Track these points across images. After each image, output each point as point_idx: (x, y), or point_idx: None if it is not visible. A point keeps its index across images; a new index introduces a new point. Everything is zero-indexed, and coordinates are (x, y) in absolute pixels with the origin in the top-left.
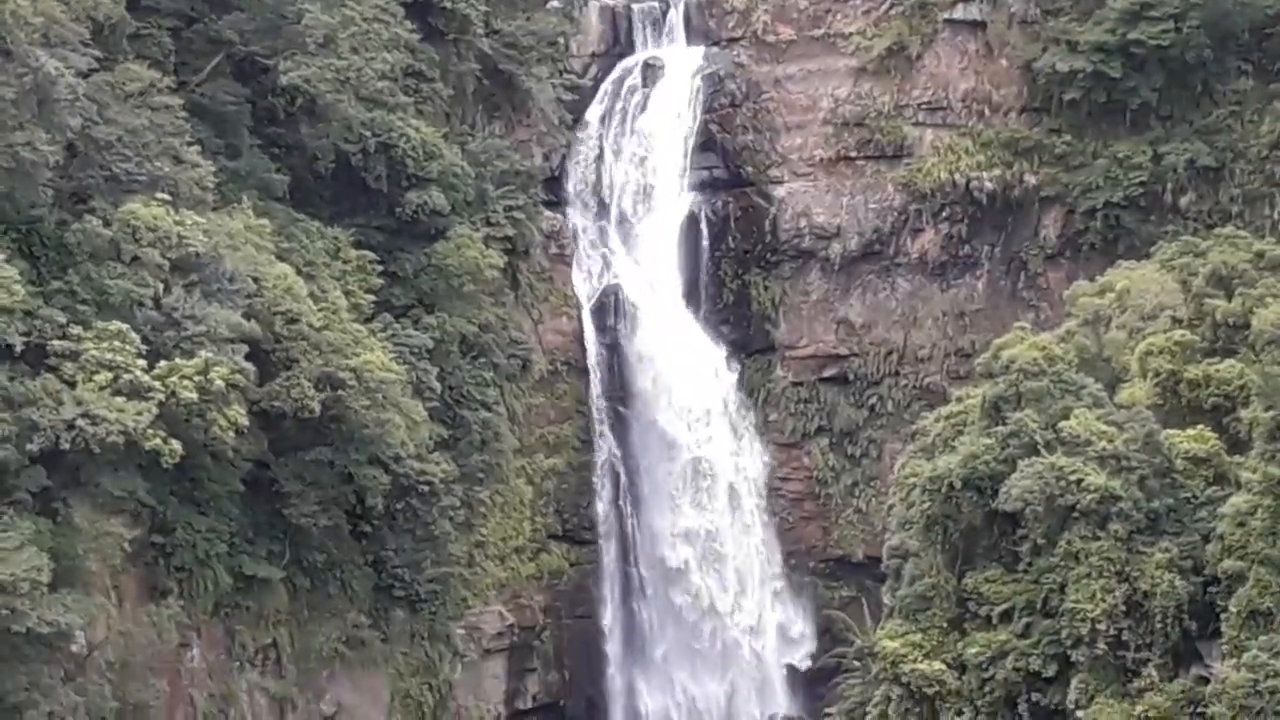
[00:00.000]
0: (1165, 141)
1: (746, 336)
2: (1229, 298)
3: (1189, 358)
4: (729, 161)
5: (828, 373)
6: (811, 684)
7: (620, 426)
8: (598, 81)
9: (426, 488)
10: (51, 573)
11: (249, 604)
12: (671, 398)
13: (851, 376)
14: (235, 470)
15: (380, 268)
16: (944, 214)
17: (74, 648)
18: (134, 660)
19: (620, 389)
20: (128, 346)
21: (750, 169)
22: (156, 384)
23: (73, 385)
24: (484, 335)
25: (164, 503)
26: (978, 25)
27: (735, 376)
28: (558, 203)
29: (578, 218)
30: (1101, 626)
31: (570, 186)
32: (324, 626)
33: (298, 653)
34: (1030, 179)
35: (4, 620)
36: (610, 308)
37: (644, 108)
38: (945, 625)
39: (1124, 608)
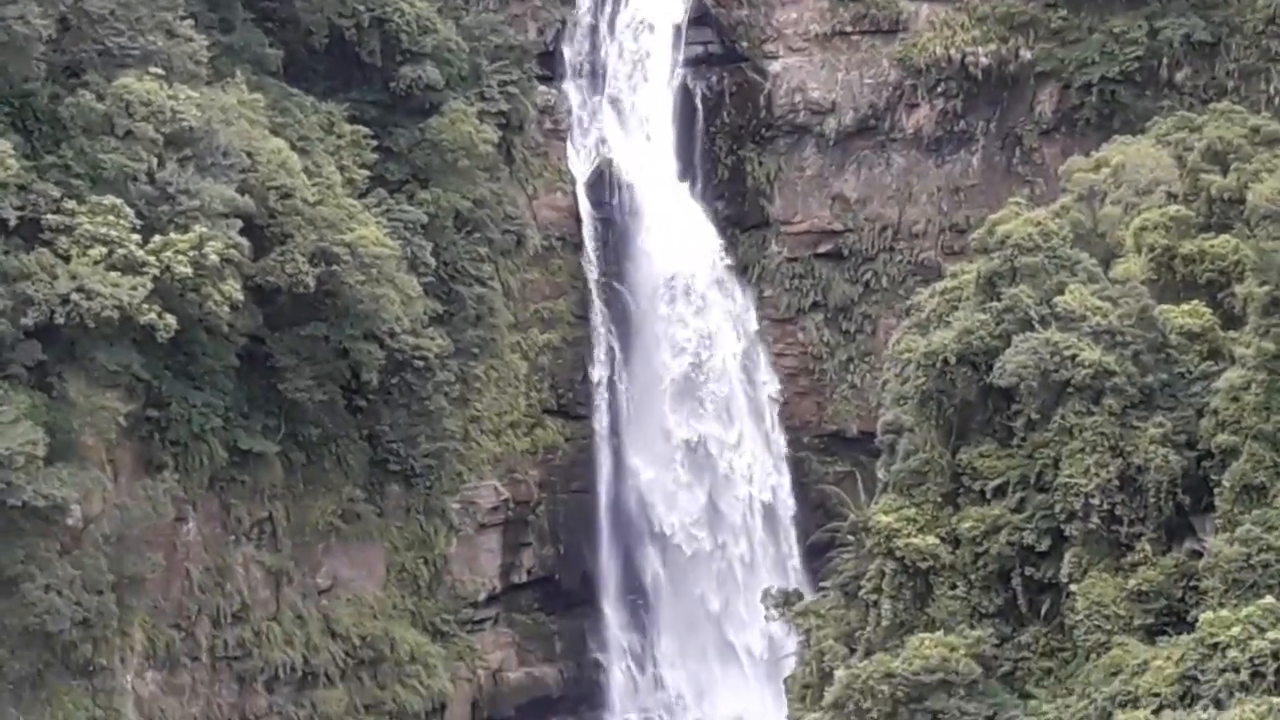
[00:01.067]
0: (1161, 16)
1: (741, 212)
2: (1224, 173)
3: (1184, 233)
4: (724, 36)
5: (822, 248)
6: (806, 558)
7: (615, 302)
8: None
9: (421, 363)
10: (47, 447)
11: (244, 478)
12: (665, 273)
13: (846, 252)
14: (230, 345)
15: (374, 143)
16: (939, 89)
17: (70, 521)
18: (130, 533)
19: (615, 264)
20: (122, 221)
21: (745, 44)
22: (151, 259)
23: (67, 259)
24: (478, 210)
25: (159, 377)
26: None
27: (729, 252)
28: (552, 78)
29: (572, 93)
30: (1095, 501)
31: (565, 61)
32: (319, 500)
33: (293, 526)
34: (1026, 54)
35: (0, 494)
36: (605, 183)
37: None
38: (939, 500)
39: (1117, 482)
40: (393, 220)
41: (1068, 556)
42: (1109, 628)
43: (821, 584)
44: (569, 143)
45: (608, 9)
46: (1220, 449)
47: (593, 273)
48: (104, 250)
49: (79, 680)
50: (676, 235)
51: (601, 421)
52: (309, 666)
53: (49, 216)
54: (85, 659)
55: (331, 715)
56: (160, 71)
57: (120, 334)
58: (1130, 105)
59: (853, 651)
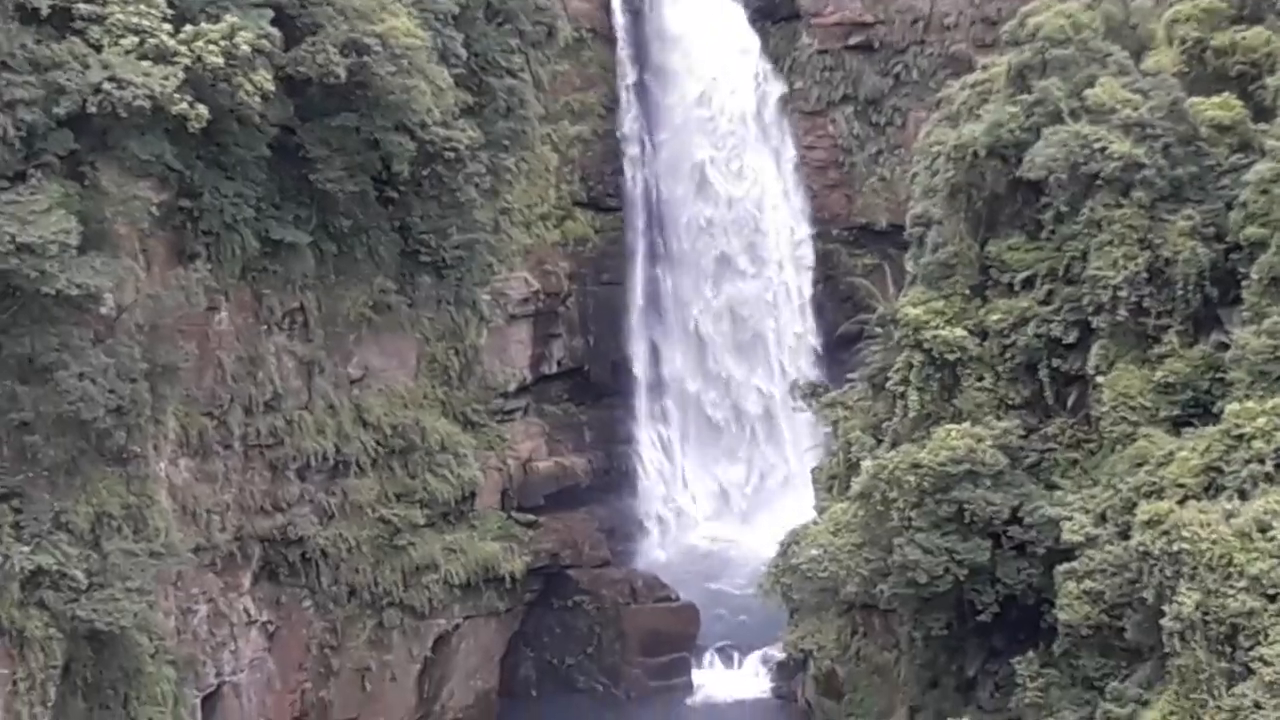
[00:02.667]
0: None
1: (772, 4)
2: None
3: (1216, 25)
4: None
5: (853, 40)
6: (834, 350)
7: (645, 94)
8: None
9: (452, 154)
10: (80, 236)
11: (276, 268)
12: (696, 65)
13: (877, 44)
14: (261, 135)
15: None
16: None
17: (103, 310)
18: (163, 323)
19: (646, 55)
20: (153, 10)
21: None
22: (182, 48)
23: (99, 49)
24: (509, 1)
25: (191, 167)
26: None
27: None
28: None
29: None
30: (1123, 293)
31: None
32: (351, 291)
33: (325, 316)
34: None
35: (33, 282)
36: None
37: None
38: (967, 292)
39: (1146, 274)
40: (423, 11)
41: (1095, 348)
42: (1135, 419)
43: (849, 375)
44: None
45: None
46: (1249, 241)
47: (623, 64)
48: (135, 40)
49: (113, 467)
50: (708, 26)
51: (632, 213)
52: (340, 455)
53: (80, 5)
54: (119, 446)
55: (362, 503)
56: None
57: (152, 124)
58: None
59: (879, 442)
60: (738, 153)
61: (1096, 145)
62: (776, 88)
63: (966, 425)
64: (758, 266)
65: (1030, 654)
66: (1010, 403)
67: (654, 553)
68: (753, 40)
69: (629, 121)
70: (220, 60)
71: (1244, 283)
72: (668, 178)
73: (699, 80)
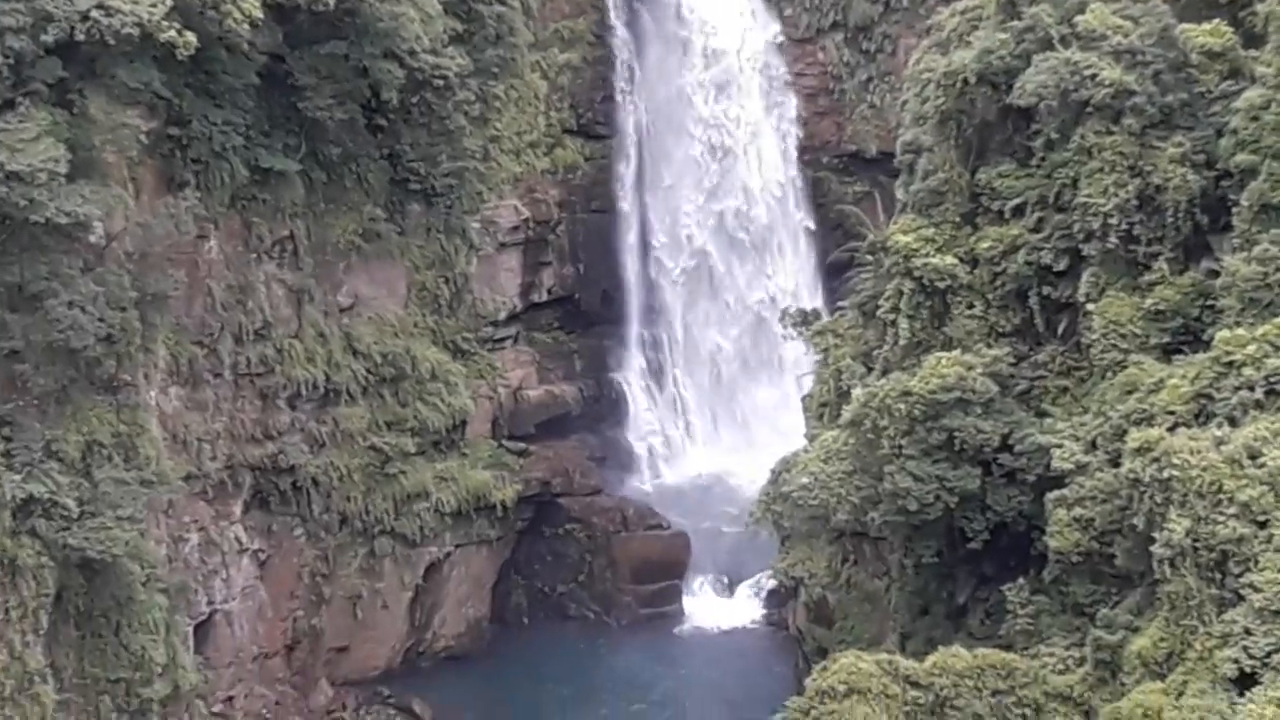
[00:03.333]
0: None
1: None
2: None
3: None
4: None
5: None
6: (826, 278)
7: (635, 20)
8: None
9: (441, 82)
10: (69, 164)
11: (265, 196)
12: None
13: None
14: (250, 63)
15: None
16: None
17: (92, 238)
18: (152, 251)
19: None
20: None
21: None
22: None
23: None
24: None
25: (180, 95)
26: None
27: None
28: None
29: None
30: (1113, 221)
31: None
32: (340, 219)
33: (314, 245)
34: None
35: (22, 210)
36: None
37: None
38: (958, 220)
39: (1136, 202)
40: None
41: (1085, 276)
42: (1125, 346)
43: (839, 303)
44: None
45: None
46: (1239, 168)
47: None
48: None
49: (103, 396)
50: None
51: (622, 141)
52: (331, 383)
53: None
54: (109, 375)
55: (353, 431)
56: None
57: (140, 51)
58: None
59: (870, 370)
60: (728, 80)
61: (1087, 72)
62: (766, 16)
63: (957, 353)
64: (747, 194)
65: (1020, 581)
66: (1000, 330)
67: (645, 481)
68: None
69: (619, 48)
70: None
71: (1234, 210)
72: (658, 105)
73: (689, 6)
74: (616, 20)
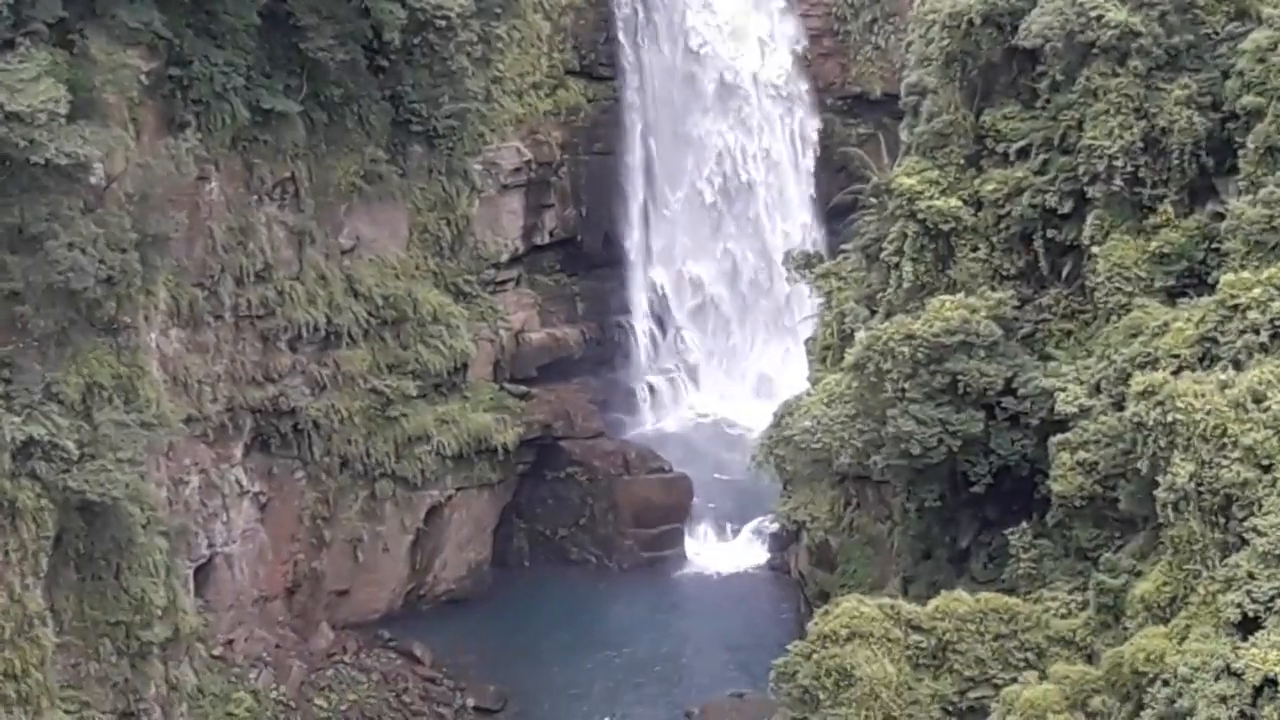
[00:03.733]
0: None
1: None
2: None
3: None
4: None
5: None
6: (829, 220)
7: None
8: None
9: (443, 22)
10: (69, 104)
11: (266, 138)
12: None
13: None
14: (251, 3)
15: None
16: None
17: (93, 179)
18: (153, 192)
19: None
20: None
21: None
22: None
23: None
24: None
25: (180, 35)
26: None
27: None
28: None
29: None
30: (1118, 163)
31: None
32: (341, 161)
33: (316, 186)
34: None
35: (22, 151)
36: None
37: None
38: (962, 162)
39: (1141, 144)
40: None
41: (1090, 219)
42: (1130, 290)
43: (843, 246)
44: None
45: None
46: (1245, 110)
47: None
48: None
49: (104, 338)
50: None
51: (625, 82)
52: (332, 326)
53: None
54: (109, 316)
55: (354, 374)
56: None
57: None
58: None
59: (873, 313)
60: (732, 21)
61: (1093, 13)
62: None
63: (961, 296)
64: (752, 135)
65: (1023, 525)
66: (1005, 273)
67: (647, 424)
68: None
69: None
70: None
71: (1240, 152)
72: (661, 46)
73: None
74: None
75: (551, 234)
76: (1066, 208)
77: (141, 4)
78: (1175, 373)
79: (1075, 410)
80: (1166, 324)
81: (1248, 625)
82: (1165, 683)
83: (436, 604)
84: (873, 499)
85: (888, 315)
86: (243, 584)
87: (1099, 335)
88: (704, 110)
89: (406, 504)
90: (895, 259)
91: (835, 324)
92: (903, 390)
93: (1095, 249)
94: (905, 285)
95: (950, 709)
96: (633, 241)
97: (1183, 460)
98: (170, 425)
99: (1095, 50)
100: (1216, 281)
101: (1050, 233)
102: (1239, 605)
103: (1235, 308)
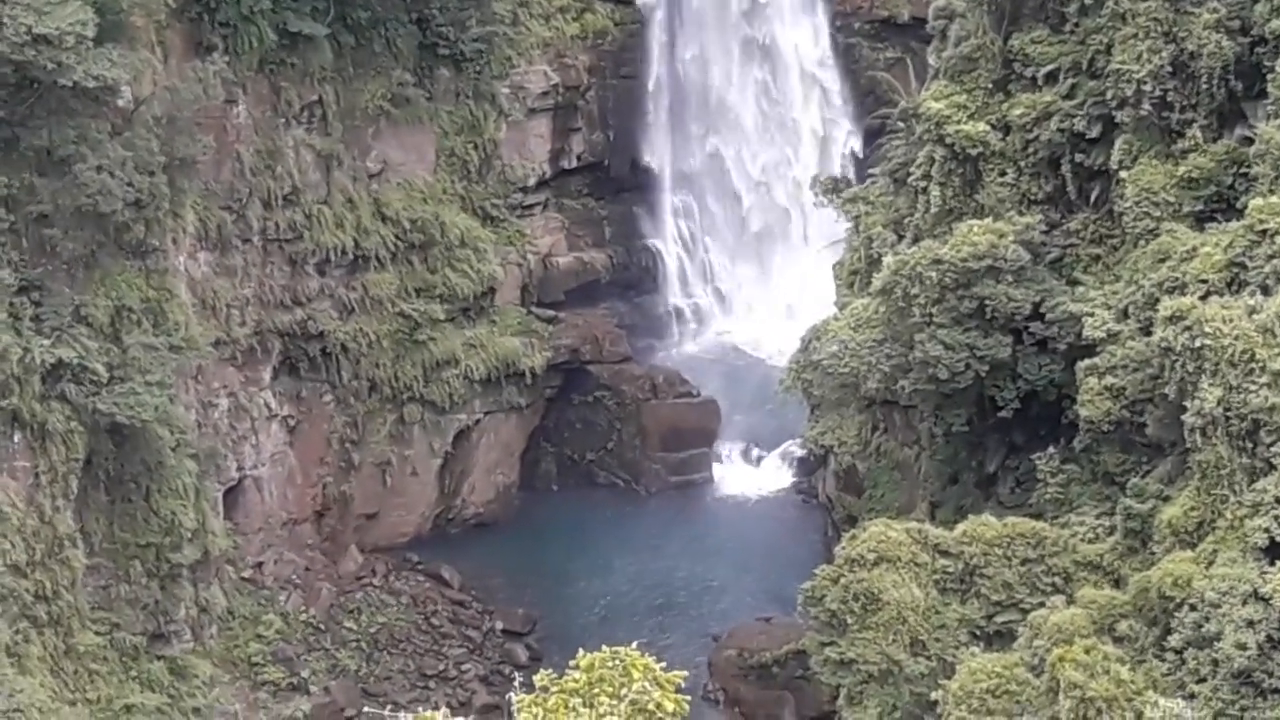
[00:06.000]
0: None
1: None
2: None
3: None
4: None
5: None
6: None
7: None
8: None
9: None
10: (96, 27)
11: (294, 61)
12: None
13: None
14: None
15: None
16: None
17: (120, 102)
18: (180, 115)
19: None
20: None
21: None
22: None
23: None
24: None
25: None
26: None
27: None
28: None
29: None
30: (1147, 87)
31: None
32: (369, 84)
33: (343, 110)
34: None
35: (50, 74)
36: None
37: None
38: (990, 86)
39: (1170, 68)
40: None
41: (1118, 143)
42: (1158, 214)
43: (870, 170)
44: None
45: None
46: (1274, 34)
47: None
48: None
49: (132, 261)
50: None
51: (652, 6)
52: (359, 249)
53: None
54: (138, 240)
55: (382, 298)
56: None
57: None
58: None
59: (901, 238)
60: None
61: None
62: None
63: (988, 221)
64: (779, 59)
65: (1051, 450)
66: (1032, 198)
67: (674, 348)
68: None
69: None
70: None
71: (1269, 76)
72: None
73: None
74: None
75: (579, 158)
76: (1095, 132)
77: None
78: (1203, 298)
79: (1103, 335)
80: (1194, 249)
81: (1275, 550)
82: (1192, 607)
83: (465, 527)
84: (900, 424)
85: (915, 240)
86: (271, 507)
87: (1127, 260)
88: (731, 34)
89: (435, 428)
90: (923, 184)
91: (863, 248)
92: (930, 315)
93: (1123, 174)
94: (933, 210)
95: (977, 633)
96: (660, 165)
97: (1210, 385)
98: (199, 348)
99: None
100: (1245, 207)
101: (1078, 157)
102: (1266, 530)
103: (1264, 233)
